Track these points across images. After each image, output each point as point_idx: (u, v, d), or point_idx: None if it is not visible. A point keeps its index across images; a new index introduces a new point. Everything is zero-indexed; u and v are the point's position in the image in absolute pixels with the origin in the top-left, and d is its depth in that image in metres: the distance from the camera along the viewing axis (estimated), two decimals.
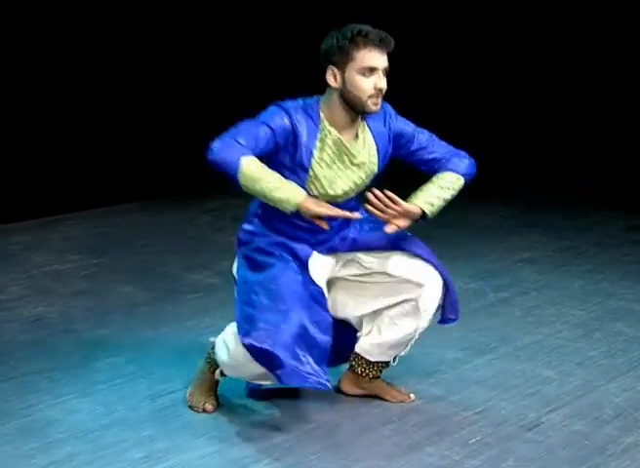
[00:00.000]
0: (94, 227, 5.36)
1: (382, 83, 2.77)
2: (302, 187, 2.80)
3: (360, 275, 3.05)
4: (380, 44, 2.75)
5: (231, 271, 3.10)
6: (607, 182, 6.47)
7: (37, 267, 4.59)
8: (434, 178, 3.02)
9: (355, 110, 2.82)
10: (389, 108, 2.95)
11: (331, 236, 2.97)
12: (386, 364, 3.13)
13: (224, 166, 2.69)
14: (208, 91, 6.91)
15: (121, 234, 5.26)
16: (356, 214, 2.80)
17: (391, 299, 3.01)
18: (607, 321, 3.93)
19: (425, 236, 5.18)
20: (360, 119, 2.88)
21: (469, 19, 7.29)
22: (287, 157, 2.82)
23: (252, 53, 7.14)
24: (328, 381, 2.81)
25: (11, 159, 5.98)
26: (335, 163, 2.86)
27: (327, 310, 2.90)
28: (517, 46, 7.45)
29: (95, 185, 5.99)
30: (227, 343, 2.91)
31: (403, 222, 2.89)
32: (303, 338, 2.77)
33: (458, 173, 3.02)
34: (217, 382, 3.09)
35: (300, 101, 2.86)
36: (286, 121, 2.78)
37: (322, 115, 2.84)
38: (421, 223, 2.98)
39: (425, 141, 3.00)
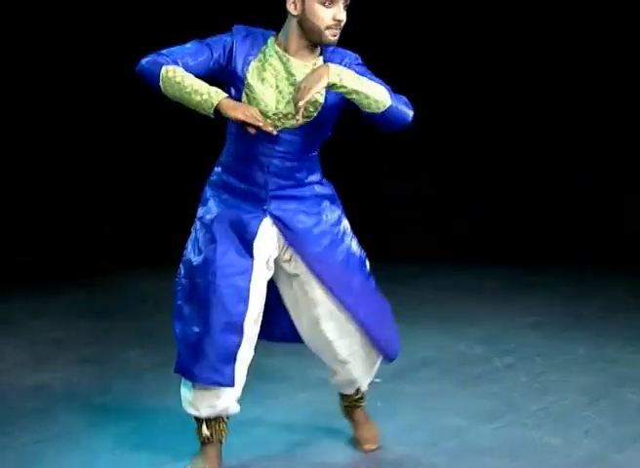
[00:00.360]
0: (101, 292, 5.37)
1: (342, 15, 2.75)
2: (237, 99, 2.78)
3: (302, 284, 3.02)
4: None
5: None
6: (608, 247, 6.48)
7: (40, 334, 4.59)
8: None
9: (312, 40, 2.78)
10: (354, 55, 2.90)
11: (263, 194, 2.91)
12: (357, 392, 3.21)
13: (148, 76, 2.72)
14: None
15: (126, 298, 5.27)
16: (270, 129, 2.71)
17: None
18: (612, 387, 3.90)
19: (426, 299, 5.28)
20: (318, 53, 2.84)
21: (468, 23, 7.32)
22: (225, 70, 2.81)
23: None
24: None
25: (13, 225, 6.01)
26: (274, 78, 2.80)
27: (246, 305, 2.91)
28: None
29: (100, 249, 6.02)
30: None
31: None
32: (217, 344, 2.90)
33: (389, 93, 2.79)
34: (216, 448, 3.03)
35: (258, 29, 2.87)
36: (227, 38, 2.80)
37: (272, 39, 2.83)
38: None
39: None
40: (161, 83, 2.71)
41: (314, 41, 2.78)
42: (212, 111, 2.68)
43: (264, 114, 2.79)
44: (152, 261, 5.98)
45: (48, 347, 4.41)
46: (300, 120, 2.70)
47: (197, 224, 2.99)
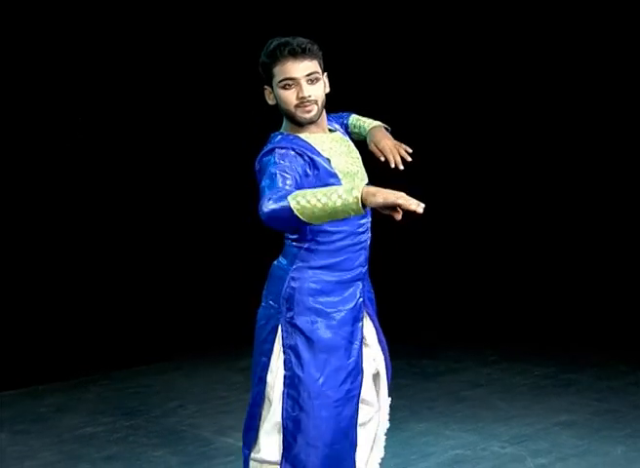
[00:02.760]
0: (126, 388, 5.35)
1: (305, 91, 2.70)
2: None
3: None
4: (294, 53, 2.69)
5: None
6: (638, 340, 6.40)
7: (69, 430, 4.57)
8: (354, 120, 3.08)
9: (295, 122, 2.77)
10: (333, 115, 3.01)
11: (362, 273, 2.83)
12: None
13: (278, 216, 2.44)
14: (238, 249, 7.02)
15: (154, 395, 5.25)
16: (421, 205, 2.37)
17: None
18: None
19: (459, 397, 5.21)
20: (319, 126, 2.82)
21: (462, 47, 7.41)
22: (313, 179, 2.69)
23: None
24: None
25: (42, 319, 6.04)
26: (337, 153, 2.81)
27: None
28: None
29: (127, 344, 6.02)
30: None
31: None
32: None
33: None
34: None
35: (276, 140, 2.74)
36: (292, 152, 2.67)
37: (289, 135, 2.76)
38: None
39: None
40: (295, 213, 2.41)
41: (295, 123, 2.77)
42: (359, 206, 2.38)
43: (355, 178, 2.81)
44: (177, 356, 5.97)
45: (76, 444, 4.38)
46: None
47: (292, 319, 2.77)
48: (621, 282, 7.11)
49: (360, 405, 2.82)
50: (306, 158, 2.70)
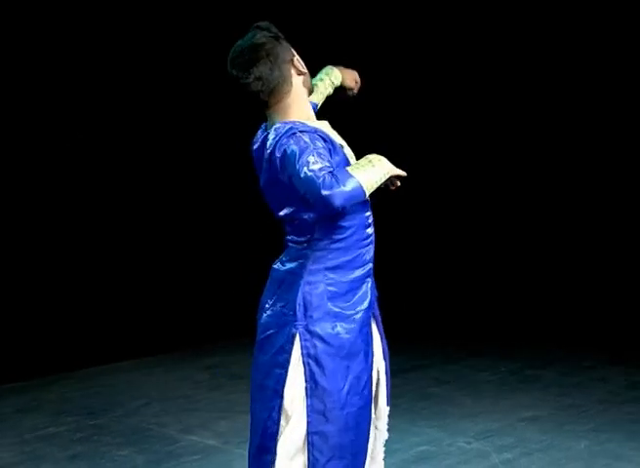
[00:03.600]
0: (90, 387, 5.31)
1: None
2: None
3: None
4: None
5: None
6: (607, 338, 6.45)
7: (31, 431, 4.52)
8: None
9: (309, 93, 2.75)
10: None
11: (371, 267, 2.74)
12: None
13: (353, 196, 2.46)
14: (203, 246, 6.98)
15: (118, 394, 5.21)
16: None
17: None
18: None
19: (425, 394, 5.22)
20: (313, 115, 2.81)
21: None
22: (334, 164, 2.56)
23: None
24: None
25: (3, 319, 5.97)
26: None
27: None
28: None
29: (91, 343, 5.96)
30: None
31: None
32: None
33: None
34: None
35: (287, 126, 2.59)
36: (316, 135, 2.56)
37: (290, 123, 2.60)
38: None
39: None
40: (365, 189, 2.49)
41: (309, 95, 2.75)
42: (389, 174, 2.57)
43: None
44: (141, 354, 5.93)
45: (38, 444, 4.33)
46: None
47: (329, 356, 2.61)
48: (586, 280, 7.17)
49: None
50: (328, 142, 2.59)
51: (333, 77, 3.13)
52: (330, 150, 2.57)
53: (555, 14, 7.11)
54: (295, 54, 2.69)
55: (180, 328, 6.33)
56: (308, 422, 2.56)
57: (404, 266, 7.44)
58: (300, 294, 2.60)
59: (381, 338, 2.81)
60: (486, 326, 6.79)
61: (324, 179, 2.40)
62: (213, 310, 6.48)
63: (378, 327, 2.80)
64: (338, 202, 2.41)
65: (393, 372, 5.23)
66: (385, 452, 2.90)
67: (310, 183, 2.42)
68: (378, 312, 2.81)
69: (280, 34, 2.67)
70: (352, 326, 2.62)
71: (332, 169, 2.45)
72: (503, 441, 4.40)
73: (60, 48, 6.10)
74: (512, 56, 7.31)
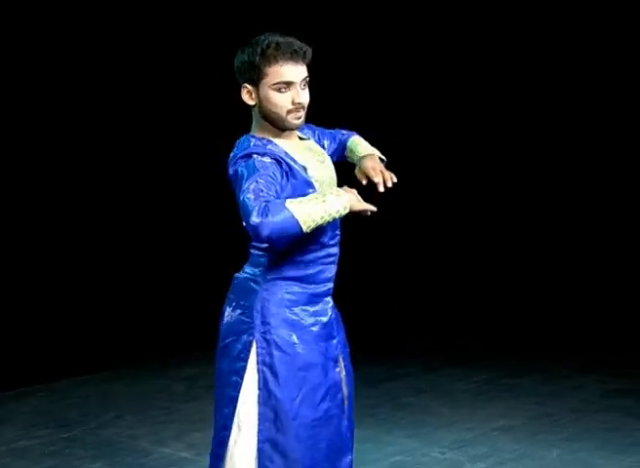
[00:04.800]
0: (64, 399, 5.27)
1: (301, 97, 2.57)
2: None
3: None
4: (293, 56, 2.54)
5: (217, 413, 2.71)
6: (583, 347, 6.47)
7: (3, 444, 4.48)
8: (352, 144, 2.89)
9: (277, 127, 2.61)
10: (308, 125, 2.81)
11: (331, 288, 2.72)
12: None
13: (283, 228, 2.38)
14: (183, 259, 6.96)
15: (91, 406, 5.17)
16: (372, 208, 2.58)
17: None
18: None
19: (402, 404, 5.21)
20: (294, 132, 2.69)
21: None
22: (290, 189, 2.56)
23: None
24: None
25: None
26: (310, 159, 2.68)
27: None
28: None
29: (65, 354, 5.93)
30: None
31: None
32: None
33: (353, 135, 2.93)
34: None
35: (246, 143, 2.58)
36: (269, 159, 2.53)
37: (257, 139, 2.59)
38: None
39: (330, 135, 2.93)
40: (301, 225, 2.41)
41: (279, 128, 2.62)
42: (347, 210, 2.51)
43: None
44: (116, 365, 5.90)
45: (8, 458, 4.30)
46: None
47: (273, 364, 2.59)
48: (562, 290, 7.19)
49: None
50: (284, 166, 2.55)
51: (351, 153, 2.90)
52: (285, 174, 2.55)
53: (555, 14, 7.12)
54: (254, 84, 2.58)
55: (156, 339, 6.31)
56: (259, 430, 2.56)
57: (379, 275, 7.45)
58: (258, 302, 2.60)
59: (345, 360, 2.76)
60: (462, 335, 6.79)
61: (257, 208, 2.38)
62: (190, 320, 6.46)
63: (342, 349, 2.75)
64: (264, 232, 2.38)
65: (371, 382, 5.25)
66: (361, 463, 2.91)
67: (244, 209, 2.42)
68: (342, 333, 2.77)
69: (255, 60, 2.56)
70: (308, 337, 2.61)
71: (270, 199, 2.41)
72: (477, 450, 4.41)
73: (60, 48, 6.10)
74: (512, 56, 7.32)
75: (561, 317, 6.92)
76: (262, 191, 2.42)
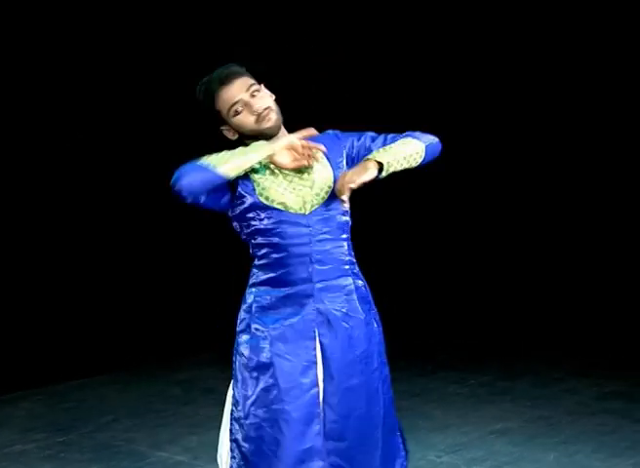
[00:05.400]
0: (59, 403, 5.27)
1: (257, 103, 2.67)
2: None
3: None
4: (222, 82, 2.69)
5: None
6: (577, 349, 6.48)
7: None
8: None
9: (263, 138, 2.69)
10: (333, 131, 2.82)
11: (309, 289, 2.67)
12: None
13: (193, 172, 2.54)
14: (179, 262, 6.95)
15: (87, 409, 5.17)
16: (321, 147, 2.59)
17: None
18: None
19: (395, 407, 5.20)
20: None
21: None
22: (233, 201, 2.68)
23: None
24: None
25: None
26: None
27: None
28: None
29: (61, 358, 5.92)
30: None
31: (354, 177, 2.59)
32: None
33: (413, 136, 2.76)
34: None
35: None
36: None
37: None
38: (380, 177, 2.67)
39: (376, 135, 2.83)
40: (211, 166, 2.54)
41: (266, 138, 2.69)
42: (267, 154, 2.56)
43: (278, 198, 2.66)
44: (112, 369, 5.90)
45: (4, 462, 4.29)
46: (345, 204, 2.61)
47: (243, 359, 2.68)
48: (556, 293, 7.21)
49: None
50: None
51: None
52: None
53: (555, 14, 7.13)
54: (224, 123, 2.72)
55: (153, 342, 6.31)
56: (230, 429, 2.68)
57: (377, 277, 7.44)
58: (240, 310, 2.75)
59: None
60: (455, 338, 6.80)
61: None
62: (186, 324, 6.46)
63: (333, 347, 2.70)
64: (178, 183, 2.54)
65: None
66: None
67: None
68: (339, 332, 2.71)
69: (207, 102, 2.72)
70: (265, 341, 2.65)
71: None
72: (473, 454, 4.40)
73: (61, 48, 6.10)
74: (512, 56, 7.33)
75: (555, 320, 6.93)
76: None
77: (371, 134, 2.81)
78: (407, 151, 2.68)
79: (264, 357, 2.64)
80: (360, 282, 2.79)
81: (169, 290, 6.67)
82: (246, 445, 2.62)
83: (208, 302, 6.42)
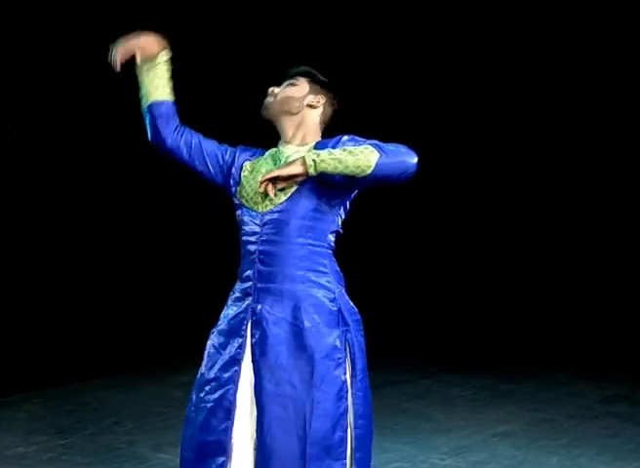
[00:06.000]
0: (61, 405, 5.24)
1: (276, 88, 2.82)
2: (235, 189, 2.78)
3: None
4: (295, 73, 2.86)
5: None
6: (580, 353, 6.47)
7: (0, 450, 4.45)
8: None
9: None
10: (345, 136, 2.73)
11: (251, 288, 2.67)
12: None
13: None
14: (177, 265, 6.95)
15: (89, 412, 5.14)
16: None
17: None
18: None
19: (398, 409, 5.20)
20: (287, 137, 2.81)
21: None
22: (225, 171, 2.82)
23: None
24: None
25: None
26: (263, 166, 2.75)
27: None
28: None
29: (62, 361, 5.91)
30: None
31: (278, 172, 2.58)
32: None
33: (372, 146, 2.57)
34: None
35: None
36: (232, 149, 2.85)
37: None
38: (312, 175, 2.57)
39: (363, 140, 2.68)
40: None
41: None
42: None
43: (246, 195, 2.74)
44: (114, 372, 5.88)
45: (6, 465, 4.27)
46: (271, 193, 2.57)
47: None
48: (560, 296, 7.20)
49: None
50: (238, 157, 2.82)
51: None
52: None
53: (555, 15, 7.13)
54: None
55: (154, 345, 6.29)
56: None
57: (378, 281, 7.43)
58: None
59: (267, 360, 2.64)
60: (458, 340, 6.79)
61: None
62: (187, 327, 6.44)
63: (264, 349, 2.63)
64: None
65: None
66: None
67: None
68: (271, 334, 2.63)
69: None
70: (213, 332, 2.77)
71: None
72: (476, 457, 4.39)
73: (61, 48, 6.09)
74: (512, 57, 7.34)
75: (558, 323, 6.93)
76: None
77: (368, 141, 2.65)
78: (349, 158, 2.52)
79: (208, 346, 2.76)
80: (321, 292, 2.64)
81: (170, 292, 6.66)
82: (182, 426, 2.74)
83: (209, 305, 6.40)
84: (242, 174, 2.78)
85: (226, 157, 2.82)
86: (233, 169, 2.80)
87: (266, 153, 2.83)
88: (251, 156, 2.83)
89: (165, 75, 2.81)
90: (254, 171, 2.77)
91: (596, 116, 7.23)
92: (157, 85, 2.79)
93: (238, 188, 2.77)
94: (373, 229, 7.01)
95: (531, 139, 7.46)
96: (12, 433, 4.74)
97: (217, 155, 2.82)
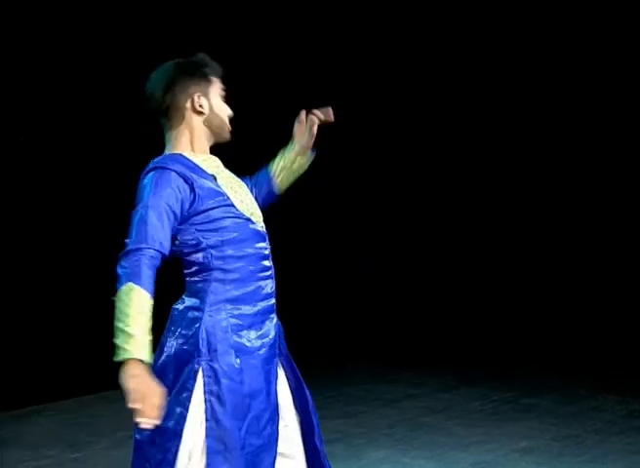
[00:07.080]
0: (74, 418, 5.19)
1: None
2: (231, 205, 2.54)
3: None
4: (220, 69, 2.68)
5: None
6: (603, 366, 6.36)
7: (11, 465, 4.38)
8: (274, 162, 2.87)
9: (217, 139, 2.64)
10: None
11: (273, 302, 2.60)
12: None
13: (118, 282, 2.44)
14: None
15: (103, 425, 5.08)
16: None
17: None
18: None
19: (417, 423, 5.10)
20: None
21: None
22: (192, 206, 2.51)
23: None
24: None
25: None
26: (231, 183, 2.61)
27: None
28: None
29: (76, 373, 5.84)
30: None
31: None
32: None
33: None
34: None
35: (167, 159, 2.54)
36: (177, 187, 2.48)
37: (185, 155, 2.56)
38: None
39: None
40: (115, 297, 2.44)
41: (218, 139, 2.64)
42: (117, 359, 2.39)
43: (247, 210, 2.58)
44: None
45: None
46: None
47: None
48: (582, 308, 7.11)
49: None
50: (189, 184, 2.49)
51: (284, 150, 2.89)
52: (188, 190, 2.48)
53: (555, 15, 7.09)
54: (205, 94, 2.60)
55: None
56: (207, 464, 2.41)
57: (392, 291, 7.36)
58: (202, 329, 2.49)
59: (292, 377, 2.64)
60: (478, 353, 6.69)
61: (130, 237, 2.44)
62: None
63: (286, 367, 2.64)
64: (118, 269, 2.44)
65: (386, 401, 5.13)
66: None
67: (131, 230, 2.46)
68: (286, 352, 2.65)
69: (204, 70, 2.63)
70: (254, 362, 2.50)
71: (140, 246, 2.42)
72: None
73: (60, 48, 6.06)
74: (511, 58, 7.31)
75: (581, 336, 6.83)
76: (148, 230, 2.43)
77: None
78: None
79: (256, 382, 2.54)
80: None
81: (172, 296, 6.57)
82: None
83: None
84: (227, 193, 2.55)
85: (181, 207, 2.49)
86: (201, 197, 2.51)
87: (193, 172, 2.53)
88: (191, 176, 2.51)
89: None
90: (232, 189, 2.59)
91: (596, 116, 7.17)
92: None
93: (239, 205, 2.57)
94: (383, 237, 6.94)
95: (529, 147, 7.41)
96: (23, 446, 4.69)
97: (174, 220, 2.50)
